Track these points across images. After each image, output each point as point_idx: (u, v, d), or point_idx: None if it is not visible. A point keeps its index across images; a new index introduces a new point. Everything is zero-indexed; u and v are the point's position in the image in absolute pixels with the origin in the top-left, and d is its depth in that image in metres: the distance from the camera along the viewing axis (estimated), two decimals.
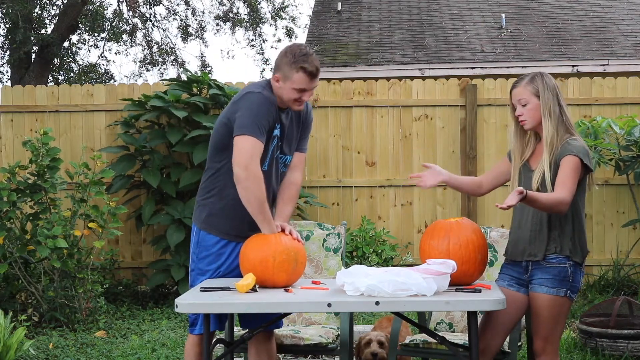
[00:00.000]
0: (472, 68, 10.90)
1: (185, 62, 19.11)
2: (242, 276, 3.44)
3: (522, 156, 3.51)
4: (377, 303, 2.96)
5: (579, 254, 3.36)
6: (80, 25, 16.01)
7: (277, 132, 3.54)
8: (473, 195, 3.78)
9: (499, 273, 3.58)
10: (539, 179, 3.36)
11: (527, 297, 3.43)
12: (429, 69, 10.90)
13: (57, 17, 16.38)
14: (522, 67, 10.80)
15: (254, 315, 3.60)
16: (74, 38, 17.97)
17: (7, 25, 15.90)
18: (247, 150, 3.37)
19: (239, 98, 3.50)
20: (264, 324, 3.56)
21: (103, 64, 19.01)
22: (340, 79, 8.30)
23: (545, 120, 3.38)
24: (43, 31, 16.11)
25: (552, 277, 3.33)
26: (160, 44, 18.86)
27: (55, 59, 16.57)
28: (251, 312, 3.21)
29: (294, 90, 3.45)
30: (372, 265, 6.89)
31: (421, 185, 3.59)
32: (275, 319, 3.63)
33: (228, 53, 32.21)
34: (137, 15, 18.24)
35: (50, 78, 17.17)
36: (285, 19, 18.43)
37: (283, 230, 3.48)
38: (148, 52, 18.92)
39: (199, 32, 18.88)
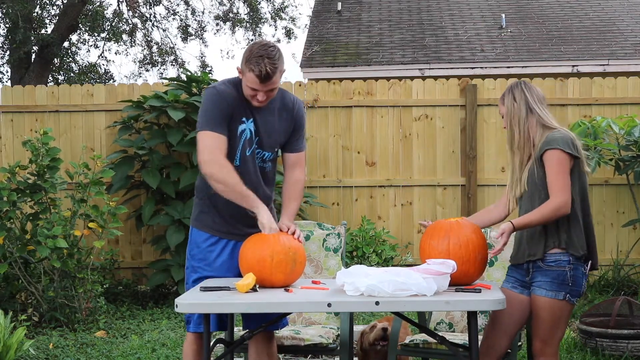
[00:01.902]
0: (472, 68, 10.90)
1: (185, 62, 19.12)
2: (237, 275, 3.45)
3: (519, 161, 3.56)
4: (377, 303, 2.96)
5: (577, 246, 3.34)
6: (80, 25, 16.00)
7: (247, 126, 3.51)
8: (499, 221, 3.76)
9: (506, 275, 3.59)
10: (524, 183, 3.40)
11: (529, 300, 3.44)
12: (429, 69, 10.91)
13: (57, 17, 16.38)
14: (522, 67, 10.81)
15: (256, 316, 3.60)
16: (74, 38, 17.98)
17: (7, 25, 15.89)
18: (204, 146, 3.42)
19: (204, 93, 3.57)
20: (265, 323, 3.56)
21: (103, 64, 19.02)
22: (340, 79, 8.30)
23: (511, 129, 3.48)
24: (43, 31, 16.11)
25: (551, 280, 3.32)
26: (160, 44, 18.86)
27: (55, 59, 16.56)
28: (251, 312, 3.21)
29: (247, 87, 3.45)
30: (372, 265, 6.89)
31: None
32: (277, 319, 3.63)
33: (228, 53, 32.26)
34: (137, 15, 18.24)
35: (50, 78, 17.17)
36: (285, 19, 18.44)
37: (284, 230, 3.48)
38: (148, 52, 18.92)
39: (199, 32, 18.88)
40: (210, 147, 3.41)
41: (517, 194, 3.47)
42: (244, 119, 3.51)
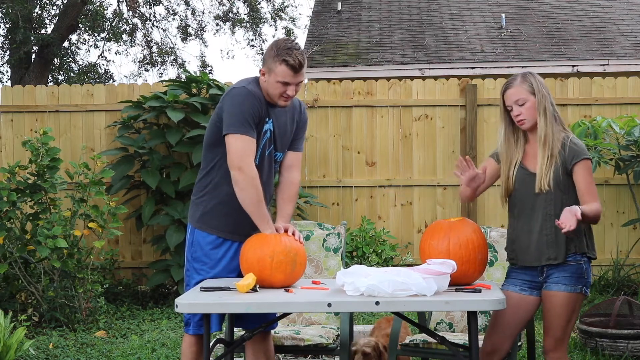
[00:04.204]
0: (472, 68, 10.89)
1: (185, 62, 19.12)
2: (240, 276, 3.44)
3: (511, 159, 3.50)
4: (377, 303, 2.96)
5: (592, 249, 3.42)
6: (80, 25, 16.01)
7: (268, 126, 3.52)
8: (466, 201, 3.81)
9: (507, 278, 3.54)
10: (550, 180, 3.34)
11: (539, 299, 3.42)
12: (429, 69, 10.90)
13: (57, 17, 16.39)
14: (522, 67, 10.79)
15: (251, 316, 3.60)
16: (74, 38, 17.99)
17: (7, 25, 15.90)
18: (237, 150, 3.38)
19: (225, 94, 3.51)
20: (263, 323, 3.56)
21: (103, 64, 19.02)
22: (340, 79, 8.30)
23: (540, 118, 3.40)
24: (43, 31, 16.11)
25: (570, 275, 3.34)
26: (160, 44, 18.86)
27: (55, 59, 16.57)
28: (251, 312, 3.21)
29: (279, 84, 3.44)
30: (372, 265, 6.89)
31: (461, 176, 3.46)
32: (274, 320, 3.63)
33: (228, 53, 32.21)
34: (137, 15, 18.24)
35: (50, 78, 17.17)
36: (285, 19, 18.44)
37: (286, 231, 3.48)
38: (148, 52, 18.92)
39: (199, 32, 18.89)
40: (242, 152, 3.38)
41: (541, 187, 3.34)
42: (267, 119, 3.52)
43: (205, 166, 3.61)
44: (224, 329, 3.98)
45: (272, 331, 3.96)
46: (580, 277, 3.35)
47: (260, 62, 3.79)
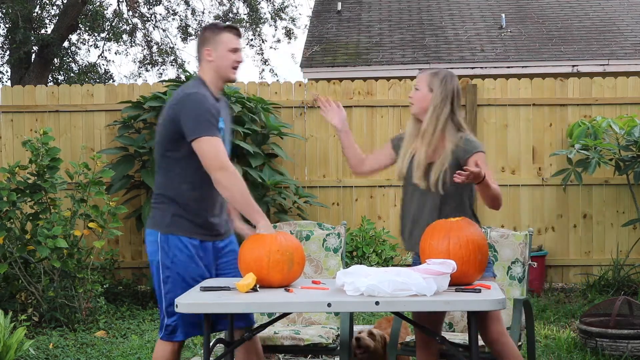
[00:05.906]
0: (472, 68, 10.90)
1: (184, 62, 19.12)
2: (237, 276, 3.45)
3: (409, 144, 3.62)
4: (377, 303, 2.96)
5: None
6: (80, 25, 16.00)
7: (221, 124, 3.54)
8: (352, 167, 3.88)
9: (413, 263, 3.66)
10: (441, 173, 3.47)
11: None
12: (429, 69, 10.88)
13: (57, 17, 16.39)
14: (522, 67, 10.81)
15: (223, 316, 3.56)
16: (74, 38, 17.99)
17: (7, 25, 15.91)
18: (213, 152, 3.38)
19: (178, 100, 3.45)
20: (241, 323, 3.59)
21: (103, 64, 19.02)
22: (340, 79, 8.30)
23: (428, 113, 3.54)
24: (43, 31, 16.11)
25: None
26: (160, 44, 18.86)
27: (55, 59, 16.56)
28: (251, 312, 3.21)
29: (229, 52, 3.53)
30: (372, 265, 6.89)
31: (324, 114, 3.75)
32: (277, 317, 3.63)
33: None
34: (137, 15, 18.24)
35: (50, 78, 17.17)
36: (285, 19, 18.44)
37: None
38: (148, 52, 18.92)
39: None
40: (216, 153, 3.38)
41: (421, 185, 3.53)
42: (219, 117, 3.53)
43: (166, 169, 3.52)
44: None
45: (272, 331, 3.98)
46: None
47: (197, 50, 3.80)
